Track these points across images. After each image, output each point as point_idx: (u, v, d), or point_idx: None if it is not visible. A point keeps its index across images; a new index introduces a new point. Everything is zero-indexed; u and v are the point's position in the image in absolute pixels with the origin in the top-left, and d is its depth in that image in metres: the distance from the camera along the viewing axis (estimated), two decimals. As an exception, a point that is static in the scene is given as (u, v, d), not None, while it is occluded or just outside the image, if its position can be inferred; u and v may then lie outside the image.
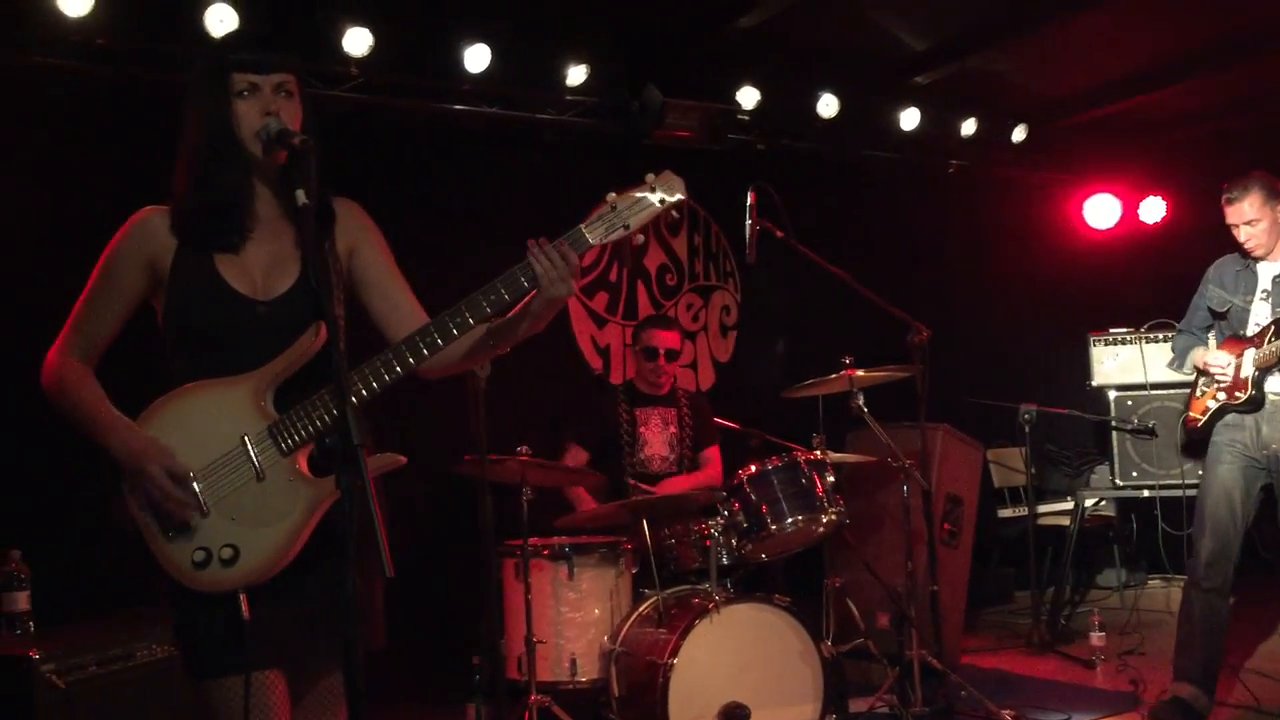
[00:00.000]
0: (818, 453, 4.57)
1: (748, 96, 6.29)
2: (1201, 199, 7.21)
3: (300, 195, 2.13)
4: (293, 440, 2.21)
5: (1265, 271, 4.54)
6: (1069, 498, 6.79)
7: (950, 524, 5.60)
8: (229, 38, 4.52)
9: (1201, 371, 4.61)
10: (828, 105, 6.52)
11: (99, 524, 2.40)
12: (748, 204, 4.64)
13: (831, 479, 4.48)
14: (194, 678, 2.24)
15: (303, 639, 2.27)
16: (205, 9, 4.61)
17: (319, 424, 2.21)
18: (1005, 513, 7.17)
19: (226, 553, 2.17)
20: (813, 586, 5.12)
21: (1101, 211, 8.21)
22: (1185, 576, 4.54)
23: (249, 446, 2.20)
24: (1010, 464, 7.20)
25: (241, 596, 2.16)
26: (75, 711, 3.52)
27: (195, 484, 2.18)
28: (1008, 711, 4.53)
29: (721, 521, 4.40)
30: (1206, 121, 7.44)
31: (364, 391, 2.21)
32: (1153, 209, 8.15)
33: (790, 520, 4.36)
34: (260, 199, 2.32)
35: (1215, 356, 4.52)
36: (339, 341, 2.08)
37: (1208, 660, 4.36)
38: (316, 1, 5.10)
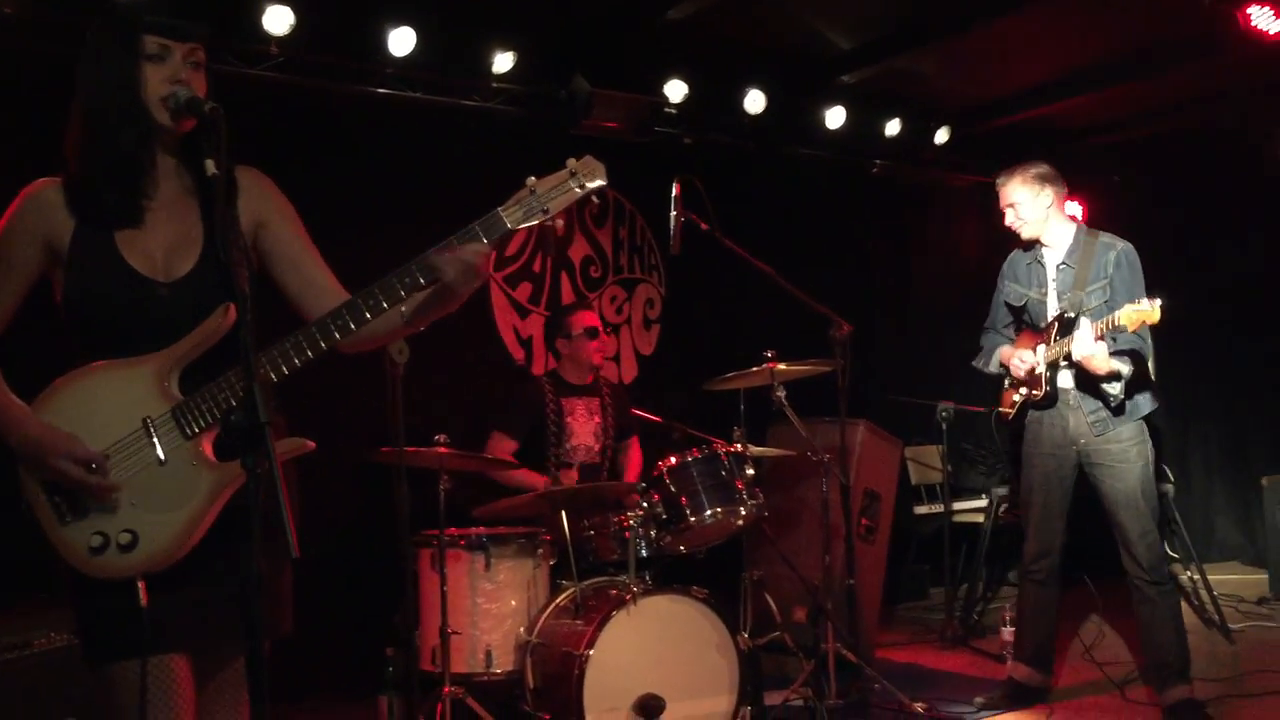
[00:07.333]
0: (738, 445, 4.58)
1: (675, 90, 6.28)
2: (1114, 205, 7.41)
3: (209, 165, 2.06)
4: (197, 424, 2.14)
5: (1050, 260, 4.58)
6: (984, 495, 6.90)
7: (868, 519, 5.65)
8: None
9: (1007, 369, 4.69)
10: (755, 101, 6.54)
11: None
12: (673, 195, 4.63)
13: (751, 472, 4.49)
14: (92, 663, 2.18)
15: (207, 623, 2.20)
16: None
17: (224, 406, 2.14)
18: (922, 509, 7.27)
19: (125, 538, 2.10)
20: (731, 579, 5.13)
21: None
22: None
23: (150, 429, 2.13)
24: (928, 461, 7.29)
25: (140, 583, 2.10)
26: (-32, 702, 3.41)
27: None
28: (920, 704, 4.58)
29: (641, 513, 4.38)
30: (1120, 130, 7.61)
31: (273, 374, 2.15)
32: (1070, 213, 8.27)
33: (709, 512, 4.36)
34: (161, 170, 2.24)
35: (1020, 355, 4.58)
36: (247, 319, 2.01)
37: (1038, 643, 4.69)
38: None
